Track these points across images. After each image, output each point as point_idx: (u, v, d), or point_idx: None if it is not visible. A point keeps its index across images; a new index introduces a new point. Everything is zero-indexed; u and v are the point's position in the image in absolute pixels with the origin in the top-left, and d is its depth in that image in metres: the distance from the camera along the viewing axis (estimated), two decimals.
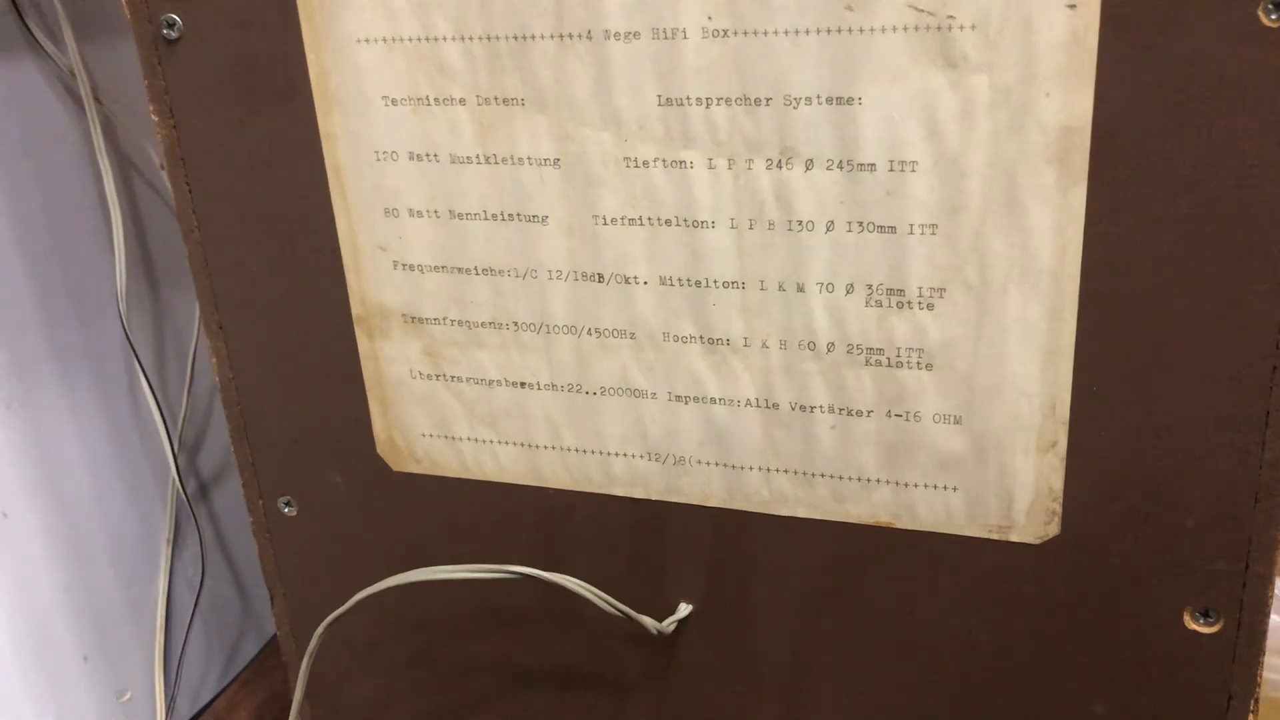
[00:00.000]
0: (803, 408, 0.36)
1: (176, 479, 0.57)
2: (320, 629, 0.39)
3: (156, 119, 0.39)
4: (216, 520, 0.62)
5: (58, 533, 0.52)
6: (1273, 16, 0.28)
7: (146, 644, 0.58)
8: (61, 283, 0.52)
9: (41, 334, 0.51)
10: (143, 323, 0.56)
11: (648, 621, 0.39)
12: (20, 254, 0.50)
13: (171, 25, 0.37)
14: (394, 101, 0.36)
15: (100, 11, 0.52)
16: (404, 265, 0.38)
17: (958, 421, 0.34)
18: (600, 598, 0.38)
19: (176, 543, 0.59)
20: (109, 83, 0.52)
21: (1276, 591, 0.36)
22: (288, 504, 0.43)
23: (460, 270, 0.38)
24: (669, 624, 0.39)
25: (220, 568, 0.63)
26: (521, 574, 0.37)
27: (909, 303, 0.33)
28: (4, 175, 0.49)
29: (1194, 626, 0.34)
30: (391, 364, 0.40)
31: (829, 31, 0.31)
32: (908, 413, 0.34)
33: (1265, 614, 0.33)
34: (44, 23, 0.50)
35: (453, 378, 0.39)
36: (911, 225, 0.32)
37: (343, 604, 0.39)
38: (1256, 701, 0.34)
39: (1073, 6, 0.29)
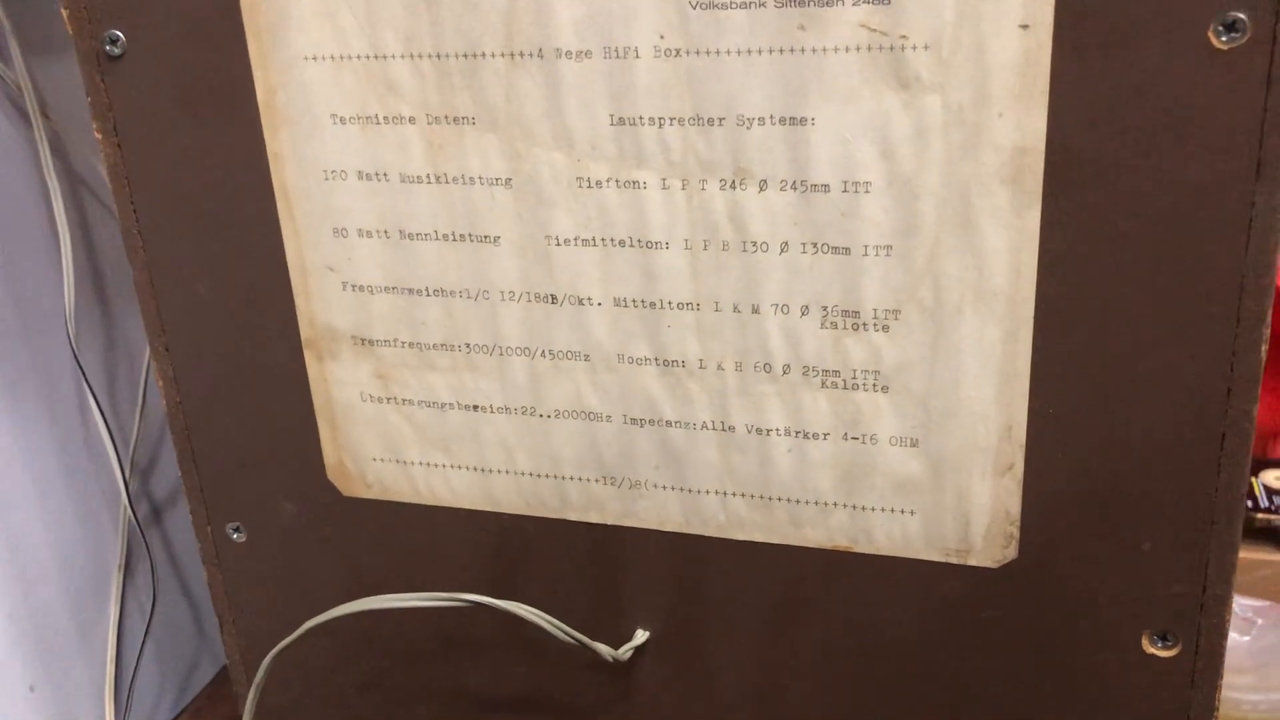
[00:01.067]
0: (759, 430, 0.35)
1: (127, 503, 0.55)
2: (267, 659, 0.38)
3: (100, 136, 0.38)
4: (170, 544, 0.61)
5: (2, 558, 0.51)
6: (1223, 39, 0.27)
7: (96, 672, 0.57)
8: (8, 302, 0.50)
9: None
10: (93, 343, 0.55)
11: (603, 649, 0.38)
12: None
13: (114, 41, 0.36)
14: (343, 120, 0.35)
15: (48, 26, 0.51)
16: (353, 286, 0.37)
17: (914, 444, 0.34)
18: (554, 625, 0.37)
19: (128, 568, 0.58)
20: (57, 99, 0.51)
21: (1234, 610, 0.36)
22: (237, 530, 0.43)
23: (411, 291, 0.37)
24: (625, 651, 0.38)
25: (174, 592, 0.61)
26: (473, 602, 0.36)
27: (864, 324, 0.33)
28: None
29: (1152, 650, 0.34)
30: (341, 387, 0.39)
31: (781, 51, 0.31)
32: (864, 435, 0.34)
33: (1223, 637, 0.33)
34: None
35: (404, 400, 0.39)
36: (866, 247, 0.32)
37: (294, 631, 0.38)
38: None
39: (1025, 27, 0.29)
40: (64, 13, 0.36)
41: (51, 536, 0.54)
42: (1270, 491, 0.58)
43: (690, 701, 0.40)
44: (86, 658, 0.56)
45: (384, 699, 0.44)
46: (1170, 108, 0.28)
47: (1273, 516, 0.56)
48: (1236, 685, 0.50)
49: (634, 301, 0.35)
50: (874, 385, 0.33)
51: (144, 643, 0.59)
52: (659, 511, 0.37)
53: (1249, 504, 0.48)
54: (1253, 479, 0.59)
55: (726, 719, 0.40)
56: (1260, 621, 0.53)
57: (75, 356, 0.53)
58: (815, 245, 0.32)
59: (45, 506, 0.53)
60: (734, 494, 0.36)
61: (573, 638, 0.37)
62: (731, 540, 0.37)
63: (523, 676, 0.42)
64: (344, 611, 0.36)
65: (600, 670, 0.40)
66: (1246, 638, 0.52)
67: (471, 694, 0.43)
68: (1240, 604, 0.53)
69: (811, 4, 0.30)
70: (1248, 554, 0.55)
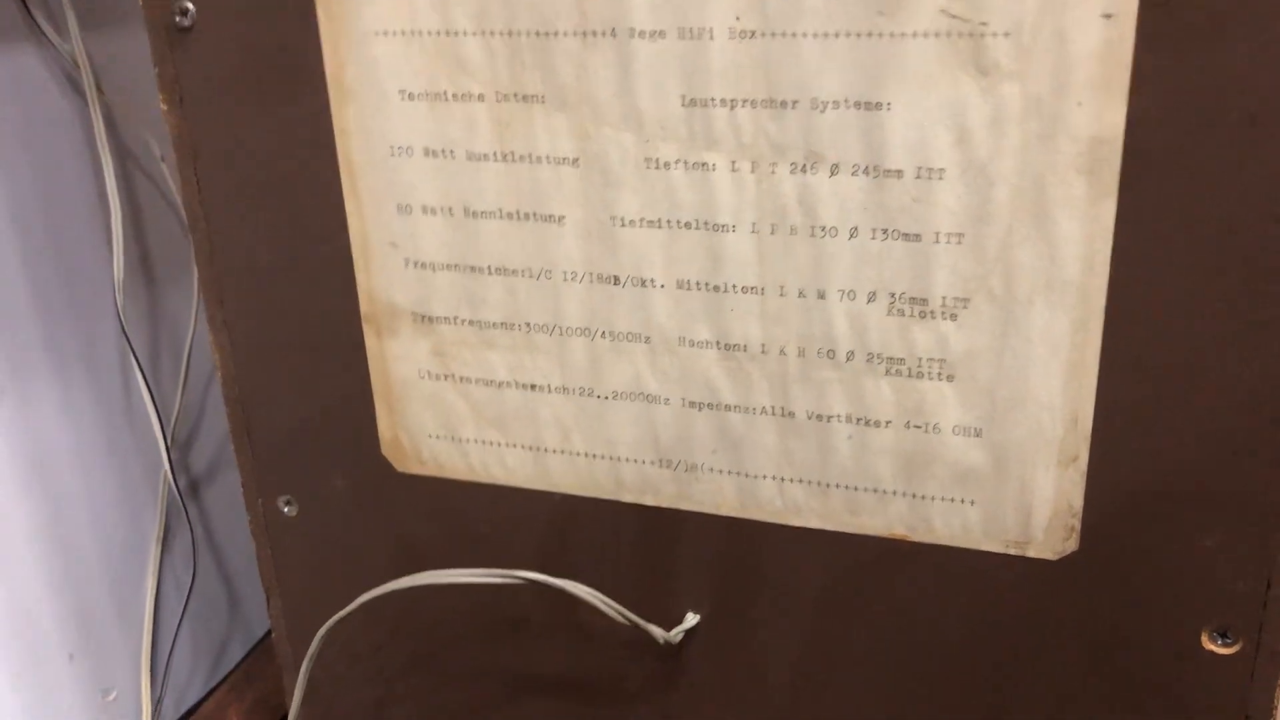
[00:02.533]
0: (820, 417, 0.35)
1: (170, 475, 0.56)
2: (322, 631, 0.38)
3: (165, 108, 0.38)
4: (207, 519, 0.61)
5: (46, 528, 0.51)
6: None
7: (133, 643, 0.57)
8: (58, 275, 0.51)
9: (36, 326, 0.50)
10: (138, 316, 0.55)
11: (655, 631, 0.38)
12: (17, 245, 0.49)
13: (184, 13, 0.36)
14: (411, 96, 0.35)
15: (104, 1, 0.51)
16: (415, 263, 0.37)
17: (978, 434, 0.34)
18: (608, 605, 0.37)
19: (166, 541, 0.58)
20: (112, 73, 0.52)
21: None
22: (288, 504, 0.43)
23: (473, 269, 0.37)
24: (676, 634, 0.38)
25: (209, 568, 0.62)
26: (529, 579, 0.36)
27: (932, 312, 0.33)
28: (3, 165, 0.48)
29: (1211, 647, 0.34)
30: (399, 363, 0.39)
31: (859, 35, 0.31)
32: (927, 424, 0.34)
33: None
34: (48, 11, 0.49)
35: (462, 378, 0.39)
36: (937, 234, 0.32)
37: (342, 607, 0.39)
38: None
39: (1109, 16, 0.28)
40: None
41: (93, 508, 0.54)
42: None
43: (737, 686, 0.40)
44: (123, 628, 0.56)
45: (428, 677, 0.44)
46: (1254, 101, 0.28)
47: None
48: None
49: (697, 284, 0.35)
50: (939, 374, 0.33)
51: (183, 615, 0.59)
52: (715, 495, 0.37)
53: None
54: None
55: (774, 704, 0.40)
56: None
57: (123, 329, 0.53)
58: (885, 231, 0.32)
59: (87, 478, 0.53)
60: (792, 479, 0.36)
61: (626, 618, 0.37)
62: (787, 526, 0.37)
63: (571, 656, 0.42)
64: (400, 585, 0.37)
65: (646, 653, 0.40)
66: None
67: (518, 673, 0.43)
68: None
69: None
70: None
